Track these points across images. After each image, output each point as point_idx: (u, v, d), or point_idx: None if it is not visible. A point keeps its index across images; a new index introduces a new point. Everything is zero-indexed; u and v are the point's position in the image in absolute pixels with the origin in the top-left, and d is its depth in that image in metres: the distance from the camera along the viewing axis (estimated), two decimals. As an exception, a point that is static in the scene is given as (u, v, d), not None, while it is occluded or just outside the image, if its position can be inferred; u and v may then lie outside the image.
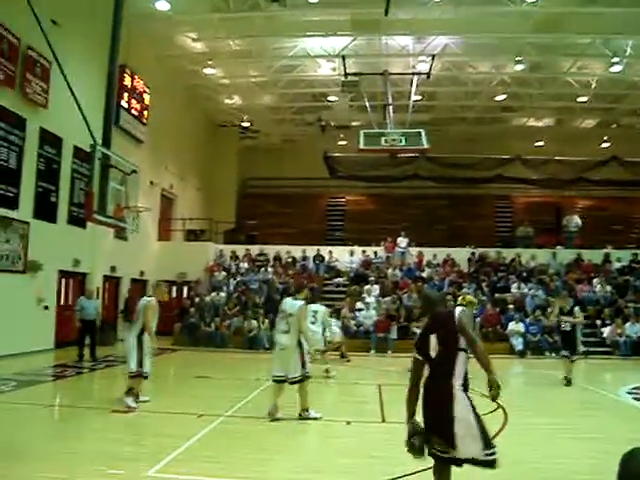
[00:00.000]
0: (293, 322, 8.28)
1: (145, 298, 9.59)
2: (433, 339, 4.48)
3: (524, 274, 22.75)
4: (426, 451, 4.42)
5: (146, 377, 9.08)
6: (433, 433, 4.36)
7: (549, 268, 23.07)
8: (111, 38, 14.51)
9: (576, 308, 12.58)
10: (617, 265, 23.12)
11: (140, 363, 8.98)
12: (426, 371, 4.54)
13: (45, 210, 16.43)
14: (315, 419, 8.24)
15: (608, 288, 21.27)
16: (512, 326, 18.82)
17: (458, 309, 4.66)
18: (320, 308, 13.53)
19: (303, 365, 8.24)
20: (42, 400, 9.78)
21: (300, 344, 8.27)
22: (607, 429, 8.07)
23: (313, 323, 12.81)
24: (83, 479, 5.48)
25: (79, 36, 17.11)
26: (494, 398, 4.41)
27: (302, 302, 8.51)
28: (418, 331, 4.86)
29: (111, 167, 12.31)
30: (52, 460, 6.09)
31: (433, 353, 4.45)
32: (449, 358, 4.40)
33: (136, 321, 9.25)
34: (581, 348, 12.84)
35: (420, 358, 4.56)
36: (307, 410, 8.31)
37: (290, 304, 8.49)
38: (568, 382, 11.91)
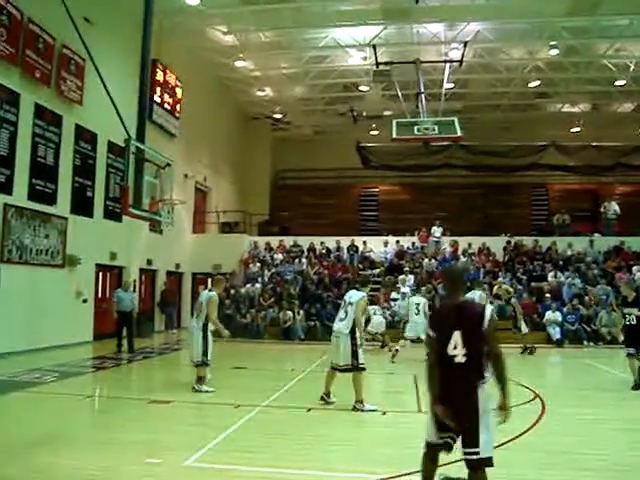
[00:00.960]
0: (350, 311, 8.39)
1: (206, 292, 10.01)
2: (457, 336, 4.14)
3: (561, 262, 22.43)
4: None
5: (208, 365, 9.65)
6: (454, 432, 4.24)
7: (586, 256, 22.69)
8: (142, 34, 14.64)
9: None
10: (658, 252, 22.62)
11: (205, 352, 9.53)
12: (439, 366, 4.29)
13: (82, 205, 16.71)
14: (371, 411, 8.18)
15: (649, 276, 20.84)
16: (549, 315, 18.57)
17: (489, 308, 4.34)
18: (421, 300, 14.75)
19: (354, 355, 8.24)
20: (83, 391, 9.98)
21: (353, 333, 8.30)
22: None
23: (417, 314, 14.26)
24: (123, 468, 5.56)
25: (111, 33, 17.31)
26: (503, 422, 4.27)
27: (364, 293, 8.68)
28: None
29: (145, 161, 12.45)
30: (93, 449, 6.21)
31: (455, 352, 4.13)
32: (476, 361, 4.15)
33: (199, 313, 9.73)
34: None
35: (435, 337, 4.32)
36: (361, 402, 8.25)
37: (352, 294, 8.64)
38: (636, 385, 10.13)
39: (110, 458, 5.84)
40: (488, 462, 4.12)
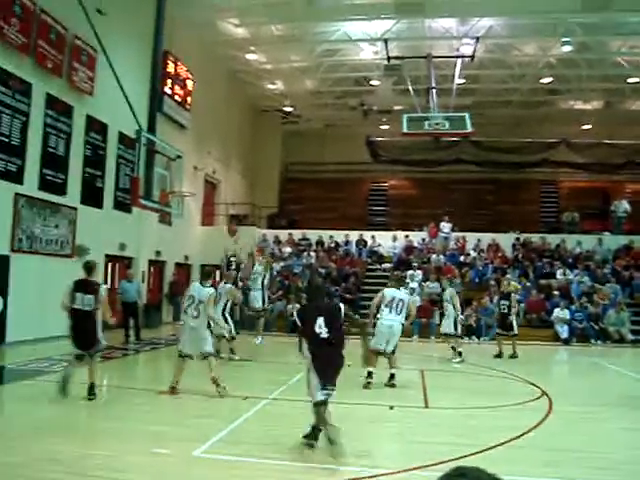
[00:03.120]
0: (203, 309, 8.74)
1: (225, 285, 12.57)
2: (320, 321, 6.09)
3: (569, 260, 22.35)
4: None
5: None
6: (332, 381, 5.96)
7: (595, 254, 22.60)
8: (155, 25, 14.73)
9: None
10: (668, 251, 22.49)
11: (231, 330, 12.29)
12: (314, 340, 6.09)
13: (92, 196, 16.76)
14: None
15: (658, 275, 20.74)
16: (557, 313, 18.53)
17: (343, 306, 6.50)
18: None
19: (211, 344, 9.07)
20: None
21: (209, 325, 9.24)
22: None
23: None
24: (130, 457, 5.61)
25: (124, 24, 17.31)
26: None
27: (212, 289, 9.06)
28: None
29: (156, 153, 12.52)
30: (100, 438, 6.26)
31: (319, 330, 6.06)
32: (336, 336, 6.12)
33: (218, 301, 11.37)
34: None
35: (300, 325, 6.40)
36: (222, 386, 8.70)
37: (199, 290, 8.89)
38: None
39: (117, 447, 5.88)
40: None
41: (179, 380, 8.80)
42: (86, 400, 8.07)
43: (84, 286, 8.43)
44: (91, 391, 8.21)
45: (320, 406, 5.98)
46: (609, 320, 18.30)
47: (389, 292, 10.14)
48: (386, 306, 9.92)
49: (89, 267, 8.87)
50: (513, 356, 14.11)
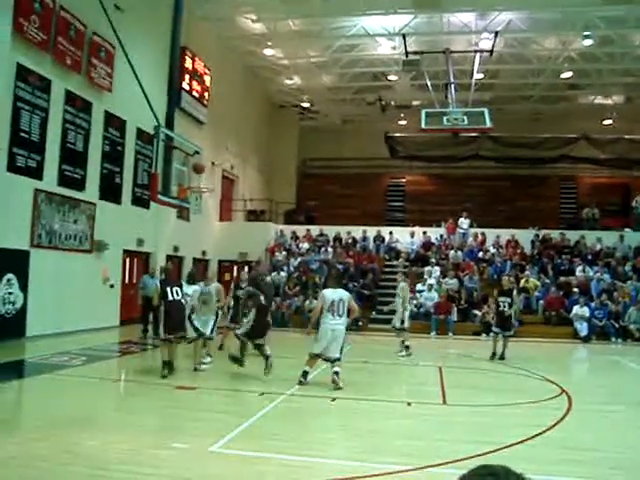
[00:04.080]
0: (212, 300, 10.88)
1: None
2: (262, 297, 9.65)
3: (589, 257, 22.09)
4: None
5: None
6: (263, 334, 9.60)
7: (616, 251, 22.32)
8: (172, 21, 14.77)
9: None
10: (691, 248, 22.14)
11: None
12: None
13: (110, 191, 16.87)
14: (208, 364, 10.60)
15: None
16: (576, 310, 18.34)
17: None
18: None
19: (213, 327, 10.89)
20: (110, 374, 10.14)
21: (217, 314, 11.06)
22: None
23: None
24: (149, 451, 5.63)
25: (142, 21, 17.38)
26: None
27: (196, 287, 10.98)
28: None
29: (174, 148, 12.53)
30: (120, 432, 6.28)
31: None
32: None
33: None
34: None
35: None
36: (200, 364, 10.58)
37: (193, 288, 10.84)
38: None
39: (137, 441, 5.91)
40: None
41: (173, 360, 10.10)
42: (161, 377, 9.45)
43: (169, 282, 10.32)
44: (170, 368, 9.81)
45: (247, 341, 9.59)
46: (629, 318, 18.08)
47: (328, 294, 9.43)
48: (328, 310, 9.23)
49: (166, 270, 11.61)
50: (502, 357, 12.93)
